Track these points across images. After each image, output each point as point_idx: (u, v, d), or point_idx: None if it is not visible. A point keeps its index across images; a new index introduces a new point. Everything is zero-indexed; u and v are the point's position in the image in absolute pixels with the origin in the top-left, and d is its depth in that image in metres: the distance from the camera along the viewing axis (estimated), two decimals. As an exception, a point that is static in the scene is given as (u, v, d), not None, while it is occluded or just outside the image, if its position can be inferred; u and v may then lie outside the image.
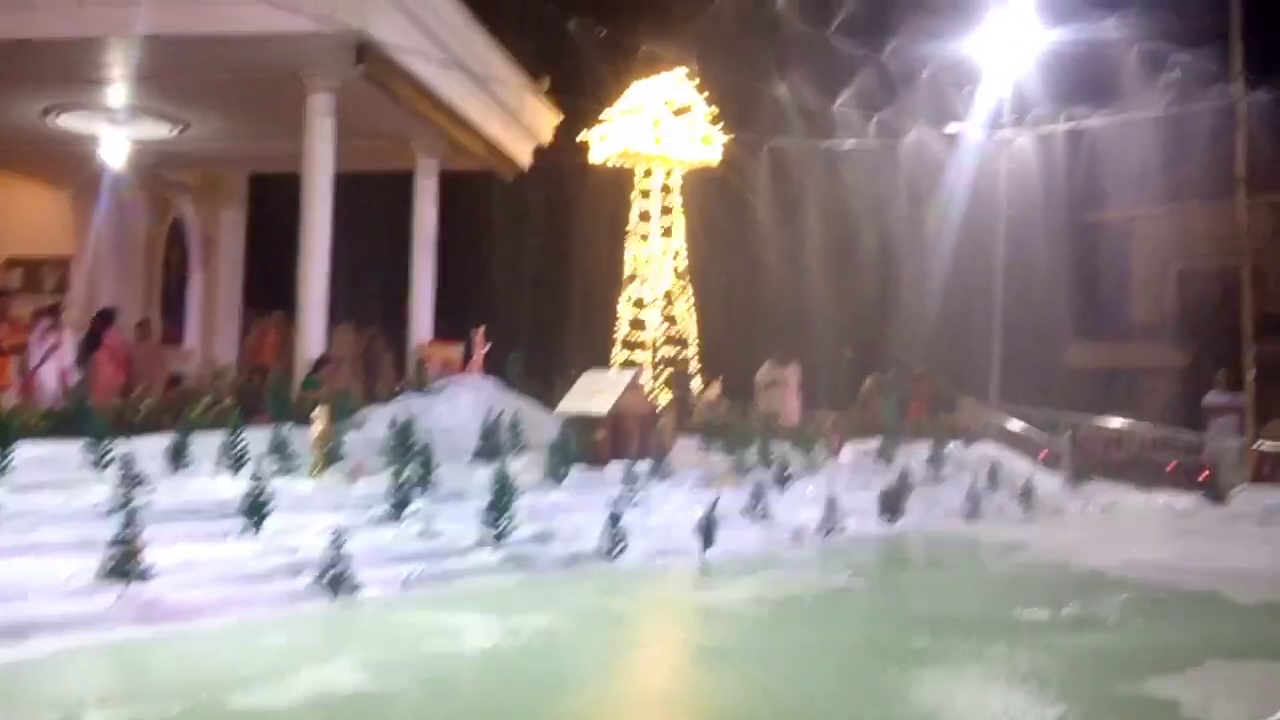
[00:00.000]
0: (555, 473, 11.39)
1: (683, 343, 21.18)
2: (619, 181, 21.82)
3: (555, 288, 23.62)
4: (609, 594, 8.65)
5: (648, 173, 21.39)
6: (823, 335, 21.21)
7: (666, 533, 11.10)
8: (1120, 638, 7.58)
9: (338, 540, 7.81)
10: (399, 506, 9.31)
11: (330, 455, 10.59)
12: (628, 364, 20.35)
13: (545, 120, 20.09)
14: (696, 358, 21.02)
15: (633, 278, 21.41)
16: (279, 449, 10.16)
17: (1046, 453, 17.55)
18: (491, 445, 12.02)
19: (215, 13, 13.51)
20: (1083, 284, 24.81)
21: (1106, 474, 17.12)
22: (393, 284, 19.34)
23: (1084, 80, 19.13)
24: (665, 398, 19.96)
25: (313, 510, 9.28)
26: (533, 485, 11.28)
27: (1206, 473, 16.30)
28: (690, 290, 21.34)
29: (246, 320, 23.38)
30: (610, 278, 21.62)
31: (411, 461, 10.15)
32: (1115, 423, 17.99)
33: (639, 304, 21.32)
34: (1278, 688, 5.98)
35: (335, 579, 7.81)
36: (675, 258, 21.43)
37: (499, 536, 9.43)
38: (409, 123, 17.10)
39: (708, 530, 10.80)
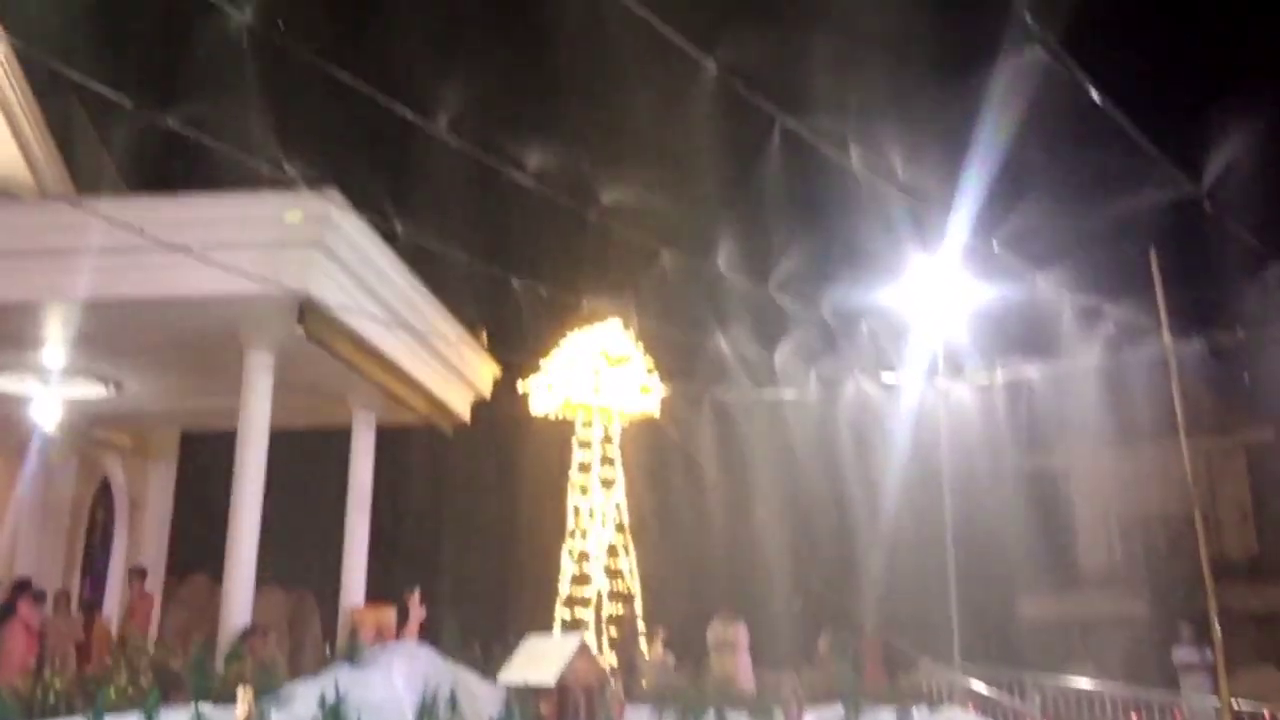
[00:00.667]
0: (501, 754, 10.51)
1: (628, 599, 20.43)
2: (559, 432, 21.58)
3: (496, 542, 22.94)
4: None
5: (587, 423, 21.18)
6: (771, 588, 20.67)
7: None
8: None
9: None
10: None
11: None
12: (572, 624, 19.53)
13: (484, 373, 19.96)
14: (642, 615, 20.23)
15: (574, 531, 20.83)
16: (197, 735, 9.26)
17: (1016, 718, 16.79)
18: (432, 723, 11.13)
19: (156, 276, 13.32)
20: (1030, 533, 24.65)
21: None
22: (324, 542, 18.60)
23: (1020, 331, 19.60)
24: (611, 660, 19.09)
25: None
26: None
27: None
28: (633, 544, 20.77)
29: (169, 584, 22.33)
30: (552, 531, 21.03)
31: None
32: (1083, 682, 17.33)
33: (581, 558, 20.66)
34: None
35: None
36: (617, 510, 20.96)
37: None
38: (348, 379, 16.82)
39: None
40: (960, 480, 20.05)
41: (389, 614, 16.50)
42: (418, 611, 15.25)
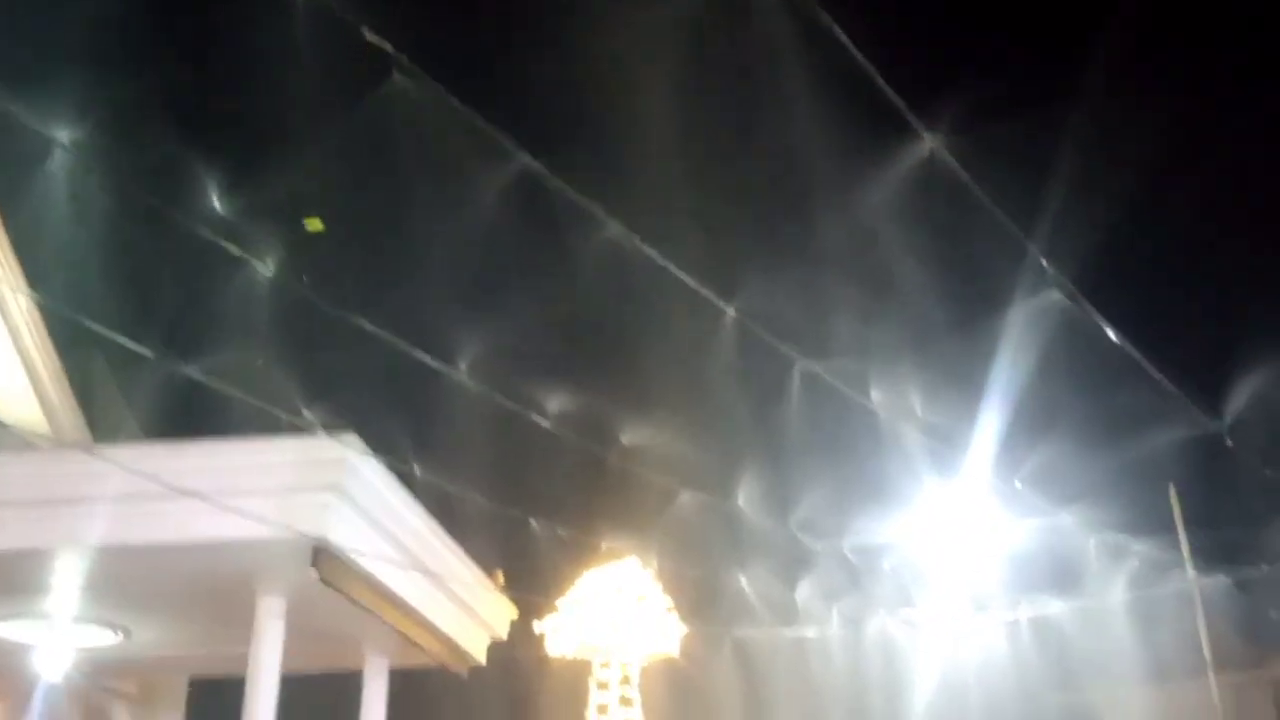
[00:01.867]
0: None
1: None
2: (576, 671, 21.10)
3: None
4: None
5: (605, 664, 20.72)
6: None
7: None
8: None
9: None
10: None
11: None
12: None
13: (501, 614, 19.67)
14: None
15: (596, 768, 20.09)
16: None
17: None
18: None
19: (169, 522, 13.27)
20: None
21: None
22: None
23: (1044, 568, 19.41)
24: None
25: None
26: None
27: None
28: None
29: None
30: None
31: None
32: None
33: (603, 794, 19.86)
34: None
35: None
36: (639, 765, 20.27)
37: None
38: (361, 623, 16.56)
39: None
40: (988, 713, 19.51)
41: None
42: None
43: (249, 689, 14.45)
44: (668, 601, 20.64)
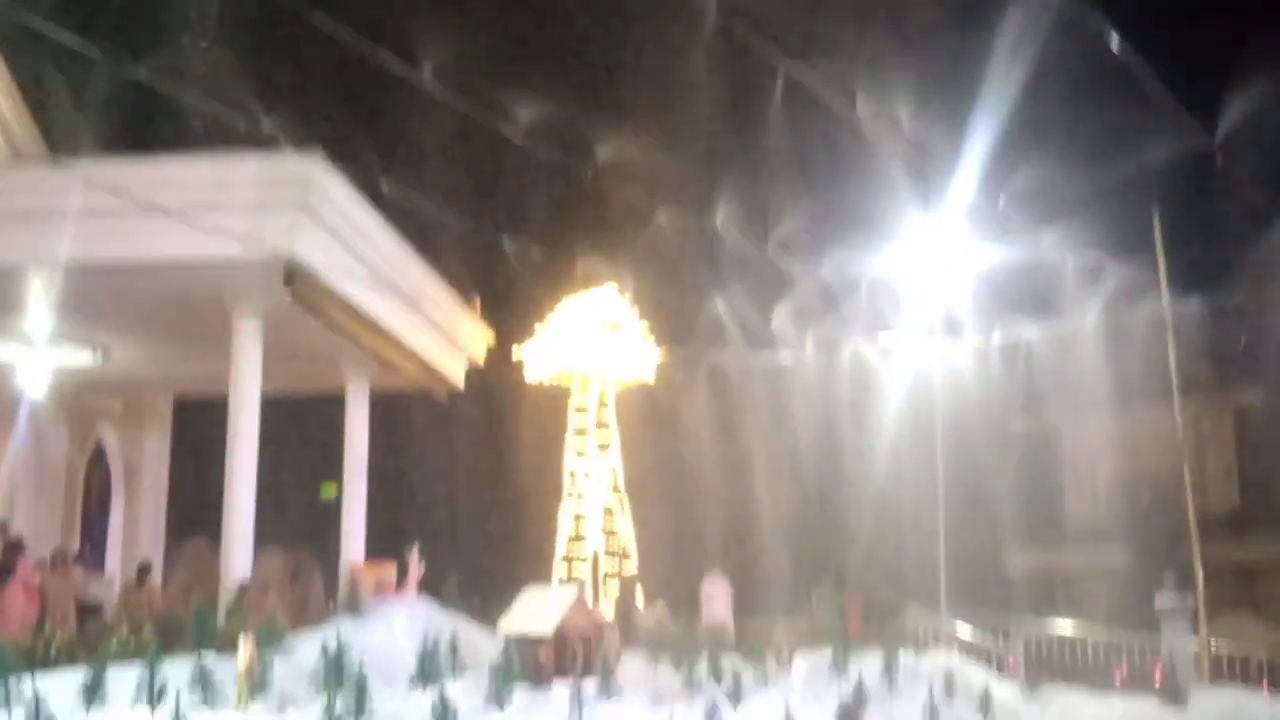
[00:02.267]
0: (498, 696, 10.70)
1: (624, 556, 20.69)
2: (554, 397, 21.74)
3: (492, 504, 23.11)
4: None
5: (583, 389, 21.35)
6: (764, 547, 20.89)
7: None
8: None
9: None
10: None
11: (257, 685, 9.88)
12: (569, 582, 19.77)
13: (478, 338, 20.12)
14: (638, 572, 20.48)
15: (571, 493, 21.05)
16: (202, 681, 9.44)
17: (1003, 660, 17.12)
18: (428, 670, 11.33)
19: (136, 239, 13.35)
20: (1021, 490, 24.92)
21: (1060, 678, 16.66)
22: (324, 505, 18.81)
23: (1020, 291, 19.64)
24: (609, 613, 19.36)
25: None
26: (474, 710, 10.60)
27: (1162, 676, 15.93)
28: (628, 505, 21.00)
29: (170, 547, 22.56)
30: (548, 493, 21.24)
31: (344, 690, 9.50)
32: (1065, 628, 17.64)
33: (578, 519, 20.89)
34: None
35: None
36: (613, 473, 21.17)
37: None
38: (339, 344, 16.95)
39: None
40: (954, 440, 20.18)
41: (389, 571, 16.69)
42: (416, 567, 15.42)
43: (231, 409, 14.92)
44: (645, 328, 21.11)
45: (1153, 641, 16.78)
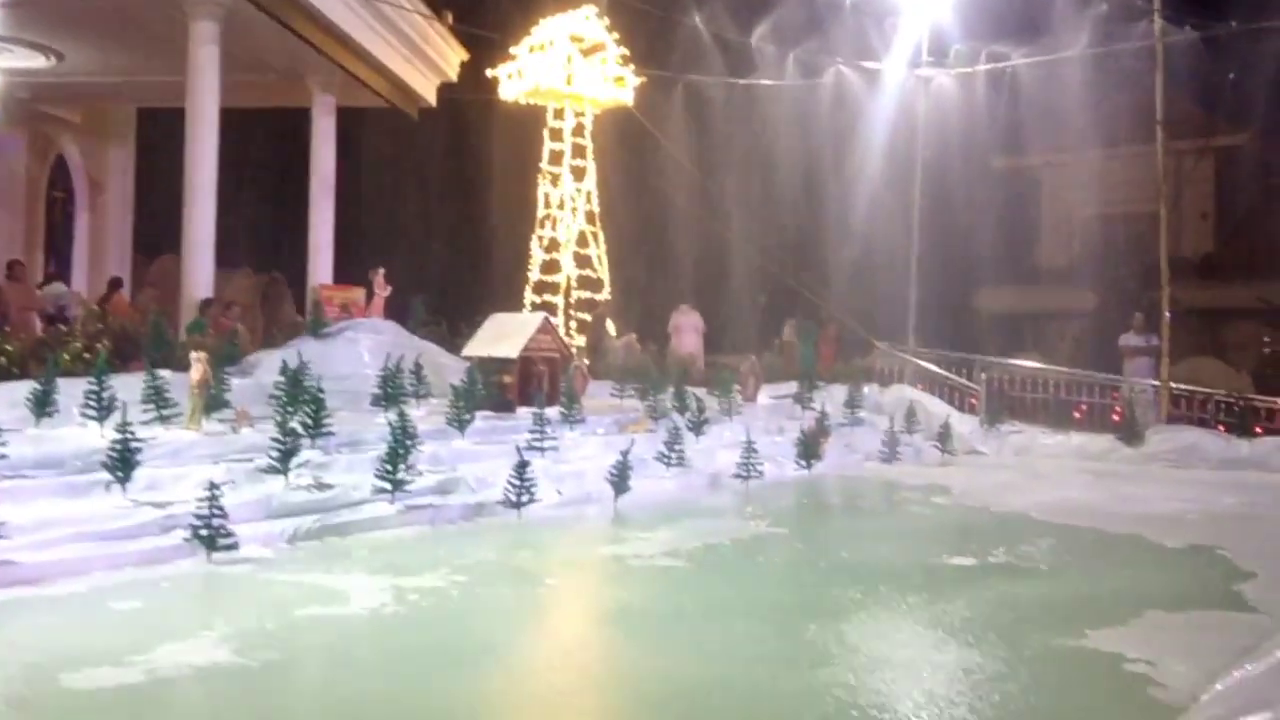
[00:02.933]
0: (459, 419, 10.74)
1: (597, 286, 20.59)
2: (530, 120, 21.01)
3: (464, 229, 22.74)
4: (514, 547, 8.10)
5: (558, 113, 20.59)
6: (739, 279, 20.77)
7: (578, 480, 10.62)
8: (1054, 585, 7.25)
9: (212, 493, 7.14)
10: (285, 456, 8.61)
11: (213, 403, 9.84)
12: (541, 309, 19.75)
13: (450, 56, 19.25)
14: (611, 301, 20.43)
15: (544, 219, 20.69)
16: (154, 397, 9.35)
17: (964, 396, 17.36)
18: (391, 391, 11.33)
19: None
20: (996, 228, 24.71)
21: (1021, 415, 16.99)
22: (296, 227, 18.44)
23: (1006, 15, 18.72)
24: (580, 342, 19.45)
25: (188, 462, 8.57)
26: (435, 432, 10.66)
27: (1120, 413, 16.25)
28: (603, 233, 20.70)
29: (140, 264, 22.36)
30: (521, 219, 20.88)
31: (301, 408, 9.47)
32: (1029, 364, 17.79)
33: (551, 246, 20.64)
34: (1221, 641, 5.64)
35: (209, 536, 7.16)
36: (588, 200, 20.76)
37: (396, 487, 8.82)
38: (302, 55, 16.18)
39: (620, 477, 10.32)
40: (933, 174, 19.75)
41: (357, 293, 16.63)
42: (382, 289, 15.28)
43: (190, 116, 14.32)
44: (623, 51, 20.18)
45: (1116, 382, 16.98)
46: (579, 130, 20.73)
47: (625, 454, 10.37)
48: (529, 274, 20.61)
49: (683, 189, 21.59)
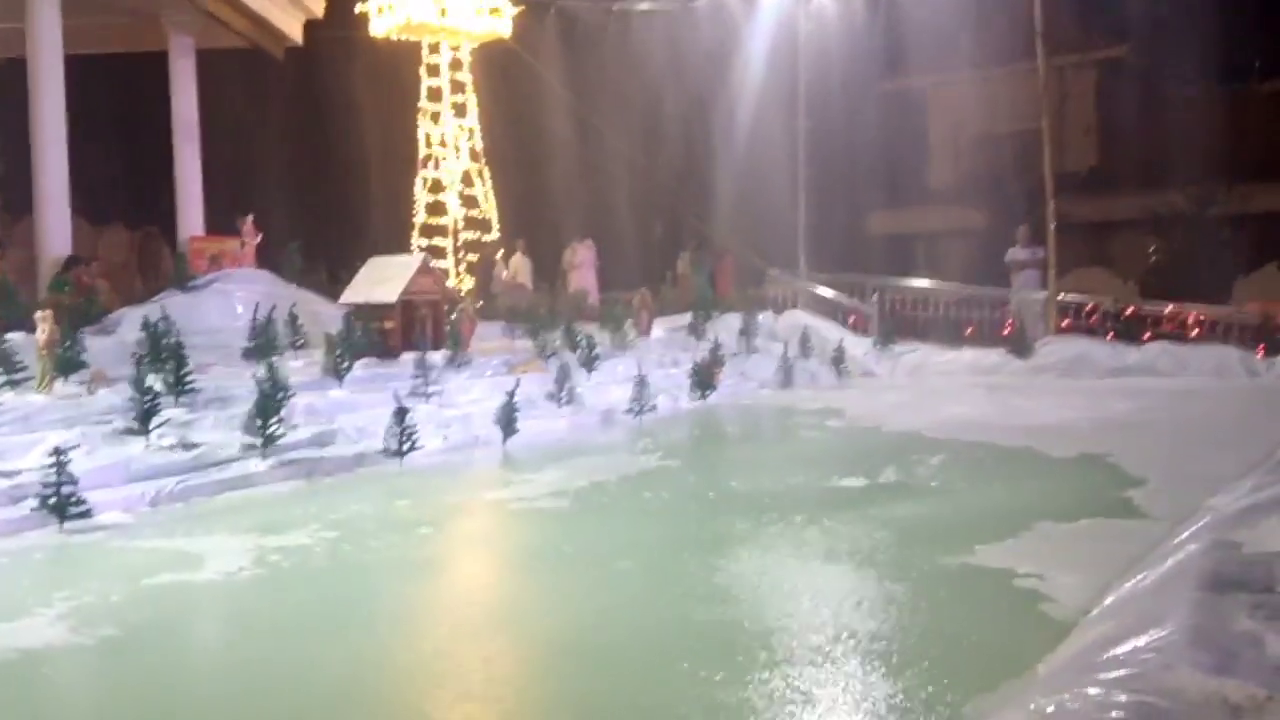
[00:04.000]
0: (336, 368, 10.29)
1: (485, 226, 20.09)
2: (405, 57, 20.27)
3: (342, 172, 21.89)
4: (392, 497, 7.75)
5: (434, 48, 19.91)
6: (628, 211, 20.41)
7: (465, 425, 10.28)
8: (944, 503, 7.16)
9: (58, 459, 6.66)
10: (145, 416, 8.11)
11: (69, 365, 9.24)
12: (429, 251, 19.20)
13: (315, -10, 18.36)
14: (497, 242, 19.96)
15: (427, 159, 20.07)
16: (2, 361, 8.75)
17: (857, 318, 17.36)
18: (263, 343, 10.82)
19: None
20: (881, 151, 24.71)
21: (913, 334, 17.04)
22: (169, 179, 17.52)
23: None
24: (468, 284, 19.01)
25: (39, 428, 8.01)
26: (312, 383, 10.20)
27: (1010, 327, 16.38)
28: (488, 171, 20.16)
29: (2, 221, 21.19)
30: (402, 160, 20.20)
31: (163, 365, 8.95)
32: (920, 283, 17.84)
33: (435, 187, 20.05)
34: (1111, 550, 5.56)
35: (59, 505, 6.69)
36: (470, 137, 20.17)
37: (267, 442, 8.39)
38: (155, -6, 15.28)
39: (507, 419, 10.02)
40: (817, 97, 19.53)
41: (230, 244, 15.92)
42: (252, 237, 14.62)
43: (30, 63, 13.43)
44: (498, -22, 19.52)
45: (1005, 297, 17.12)
46: (457, 65, 20.12)
47: (511, 395, 10.07)
48: (414, 218, 20.03)
49: (566, 122, 21.07)
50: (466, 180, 20.08)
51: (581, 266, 18.61)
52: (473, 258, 19.65)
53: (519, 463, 9.23)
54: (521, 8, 19.80)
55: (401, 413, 8.98)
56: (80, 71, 14.86)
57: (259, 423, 8.37)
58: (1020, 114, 25.67)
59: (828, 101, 20.21)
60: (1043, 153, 17.29)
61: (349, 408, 9.97)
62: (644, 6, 19.84)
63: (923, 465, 8.50)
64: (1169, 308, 16.19)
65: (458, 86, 20.13)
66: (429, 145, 20.07)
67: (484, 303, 16.43)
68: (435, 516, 7.18)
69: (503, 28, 19.79)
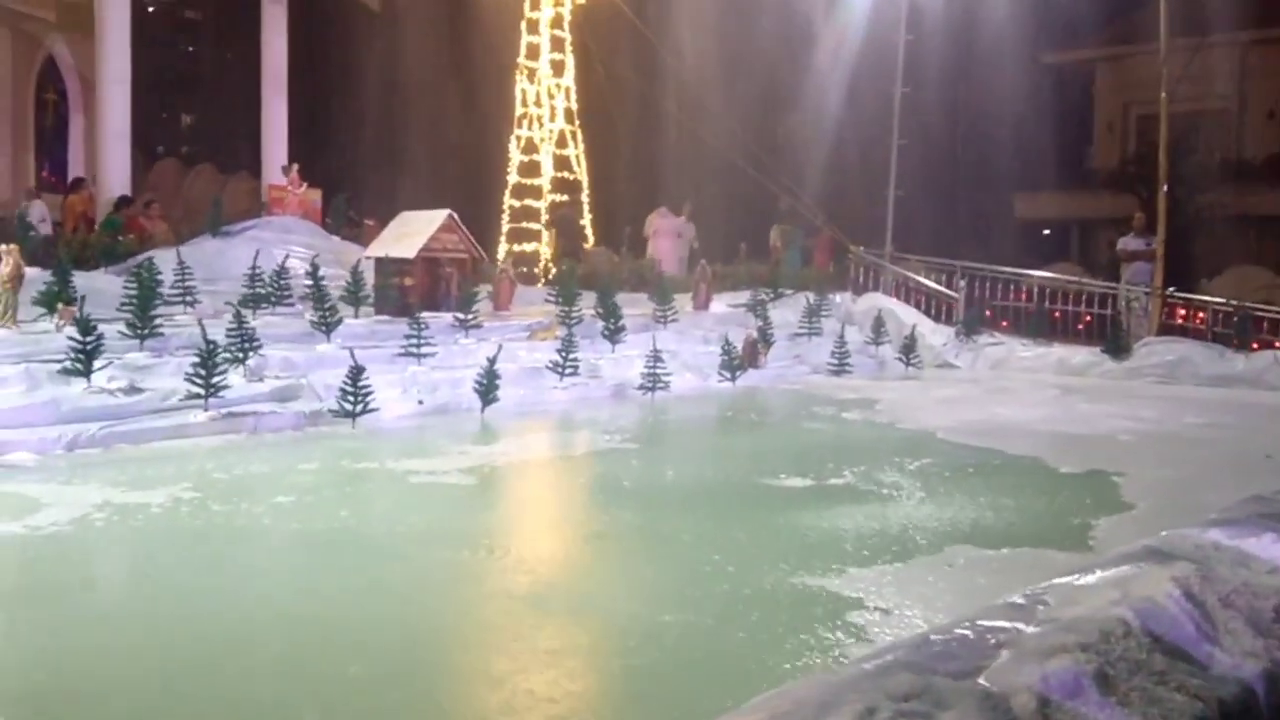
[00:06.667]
0: (325, 321, 10.00)
1: (574, 188, 19.63)
2: (507, 11, 19.92)
3: (437, 125, 21.78)
4: (305, 460, 7.38)
5: (535, 3, 19.48)
6: (720, 180, 19.60)
7: (453, 389, 9.89)
8: (873, 513, 6.31)
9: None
10: (87, 358, 7.98)
11: (51, 300, 9.26)
12: (520, 211, 18.87)
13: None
14: (573, 201, 19.45)
15: (521, 118, 19.70)
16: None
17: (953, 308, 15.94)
18: (259, 293, 10.64)
19: None
20: (1029, 127, 23.15)
21: (1005, 325, 15.76)
22: (247, 120, 17.78)
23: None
24: (553, 247, 18.62)
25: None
26: (300, 335, 9.98)
27: (1089, 321, 14.98)
28: (583, 133, 19.66)
29: (137, 165, 21.93)
30: (497, 117, 19.90)
31: (133, 308, 8.84)
32: (1006, 270, 16.30)
33: (529, 147, 19.68)
34: (995, 587, 4.63)
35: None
36: (567, 97, 19.70)
37: (211, 392, 8.17)
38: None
39: (487, 387, 9.58)
40: (924, 63, 18.06)
41: (313, 193, 15.94)
42: (297, 187, 14.53)
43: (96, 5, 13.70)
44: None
45: (1097, 284, 15.68)
46: (558, 21, 19.63)
47: (492, 361, 9.62)
48: (507, 176, 19.72)
49: (663, 86, 20.36)
50: (560, 141, 19.64)
51: (658, 235, 17.99)
52: (559, 219, 19.22)
53: (477, 433, 8.79)
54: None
55: (357, 371, 8.64)
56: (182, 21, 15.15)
57: (202, 372, 8.15)
58: (1193, 93, 23.69)
59: (939, 69, 18.85)
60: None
61: (331, 364, 9.67)
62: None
63: (897, 469, 7.64)
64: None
65: (557, 44, 19.65)
66: (524, 104, 19.69)
67: (566, 266, 16.02)
68: (319, 484, 6.76)
69: (610, -13, 19.22)
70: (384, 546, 5.36)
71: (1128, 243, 15.73)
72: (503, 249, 18.10)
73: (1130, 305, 15.19)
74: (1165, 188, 15.05)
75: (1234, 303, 14.76)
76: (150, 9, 21.43)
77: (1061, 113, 28.67)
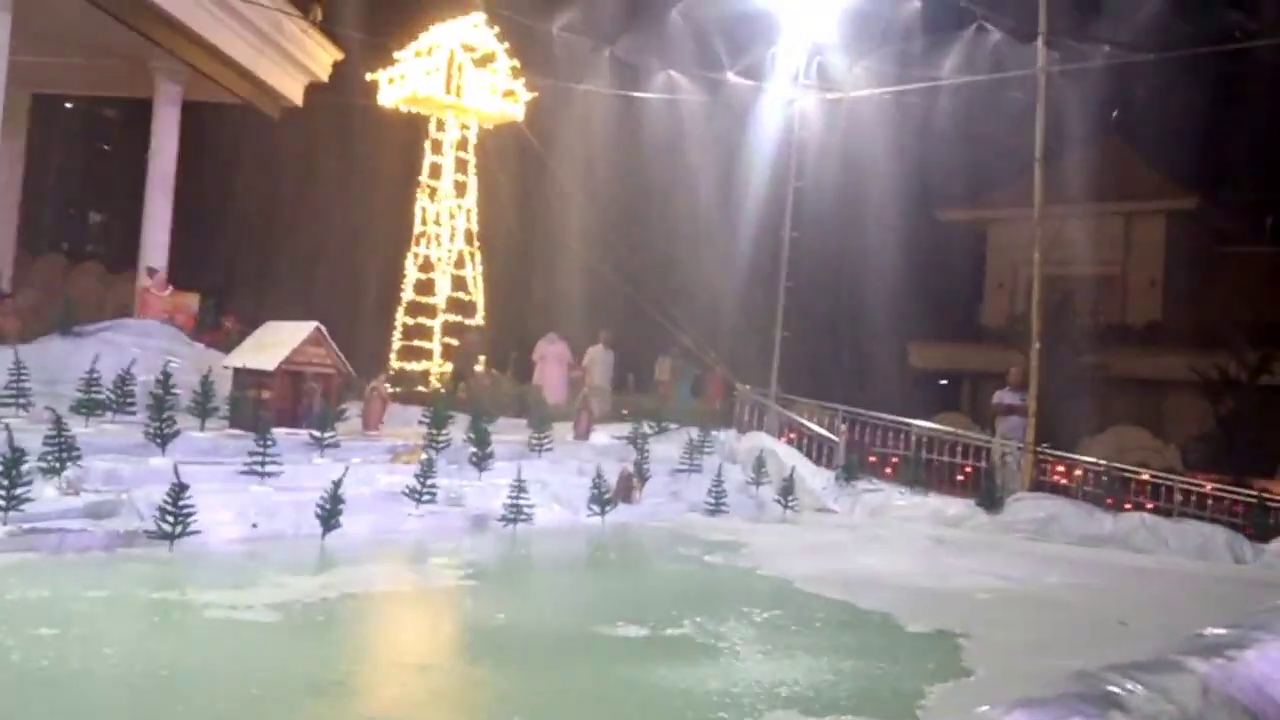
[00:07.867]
0: (160, 433, 9.44)
1: (470, 310, 19.36)
2: (413, 130, 19.88)
3: (329, 239, 21.48)
4: (87, 588, 6.68)
5: (440, 123, 19.48)
6: (612, 313, 19.48)
7: (297, 511, 9.35)
8: (697, 670, 5.94)
9: None
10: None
11: None
12: (414, 330, 18.54)
13: (320, 55, 18.16)
14: (481, 328, 19.19)
15: (420, 236, 19.50)
16: None
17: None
18: (94, 398, 10.07)
19: None
20: (923, 280, 23.63)
21: (889, 473, 15.65)
22: (139, 220, 17.27)
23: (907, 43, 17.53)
24: (447, 368, 18.24)
25: None
26: (133, 446, 9.40)
27: (968, 473, 14.99)
28: (480, 255, 19.51)
29: (20, 262, 21.19)
30: (394, 234, 19.68)
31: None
32: (887, 416, 16.27)
33: (426, 265, 19.44)
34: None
35: None
36: (468, 218, 19.58)
37: (10, 506, 7.57)
38: (140, 41, 15.09)
39: (329, 512, 9.09)
40: (806, 203, 18.18)
41: (189, 299, 15.47)
42: (161, 289, 14.07)
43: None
44: (514, 64, 19.09)
45: (973, 436, 15.76)
46: (462, 144, 19.61)
47: (337, 484, 9.15)
48: (401, 294, 19.42)
49: (564, 215, 20.39)
50: (459, 262, 19.45)
51: (544, 361, 17.77)
52: (453, 341, 18.90)
53: (308, 562, 8.25)
54: (536, 94, 19.31)
55: (180, 489, 8.11)
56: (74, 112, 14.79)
57: (2, 483, 7.56)
58: (1077, 257, 24.49)
59: (832, 214, 19.10)
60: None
61: (162, 479, 9.08)
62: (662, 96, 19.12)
63: (744, 620, 7.31)
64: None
65: (461, 165, 19.62)
66: (424, 222, 19.53)
67: (462, 392, 15.65)
68: (96, 615, 6.14)
69: (516, 111, 19.29)
70: (108, 691, 4.82)
71: (1003, 397, 15.83)
72: (395, 365, 17.73)
73: (1004, 459, 15.20)
74: (1038, 345, 15.21)
75: (1103, 463, 14.84)
76: (68, 105, 21.11)
77: (957, 267, 29.53)
